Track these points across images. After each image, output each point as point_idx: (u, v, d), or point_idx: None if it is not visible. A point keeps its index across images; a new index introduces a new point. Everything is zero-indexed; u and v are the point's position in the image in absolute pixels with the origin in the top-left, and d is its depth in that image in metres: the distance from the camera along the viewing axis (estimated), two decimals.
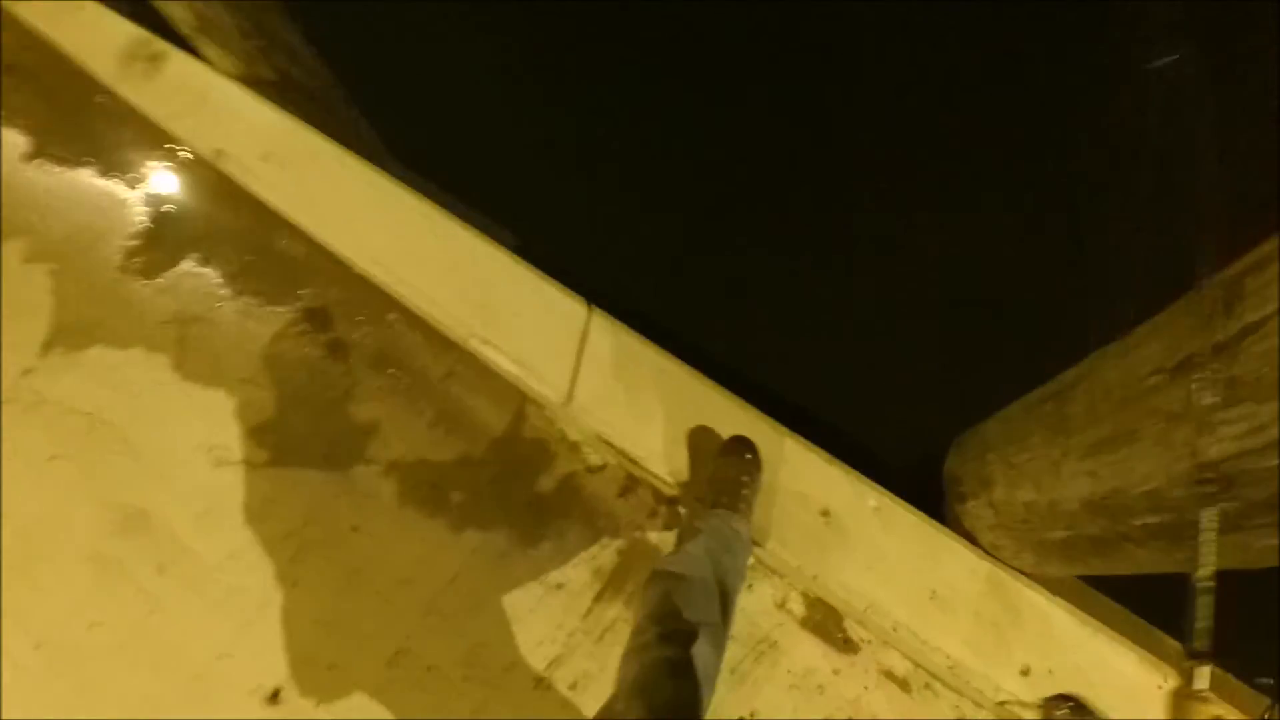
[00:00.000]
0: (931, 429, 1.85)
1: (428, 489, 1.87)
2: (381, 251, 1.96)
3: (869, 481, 1.67)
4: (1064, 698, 1.45)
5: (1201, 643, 0.66)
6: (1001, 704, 1.52)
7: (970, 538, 1.60)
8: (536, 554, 1.80)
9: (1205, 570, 0.63)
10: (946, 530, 1.61)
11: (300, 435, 1.92)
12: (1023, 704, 1.49)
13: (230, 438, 1.91)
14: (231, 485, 1.87)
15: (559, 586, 1.77)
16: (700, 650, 1.05)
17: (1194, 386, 0.93)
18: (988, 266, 1.97)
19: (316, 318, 2.05)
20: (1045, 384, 1.39)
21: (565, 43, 2.50)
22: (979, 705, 1.60)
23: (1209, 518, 0.81)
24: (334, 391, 1.97)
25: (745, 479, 1.58)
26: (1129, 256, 1.70)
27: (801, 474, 1.68)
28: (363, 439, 1.92)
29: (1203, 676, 0.62)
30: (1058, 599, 1.54)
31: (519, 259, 1.94)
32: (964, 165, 2.06)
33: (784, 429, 1.72)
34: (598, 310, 1.87)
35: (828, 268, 2.13)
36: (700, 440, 1.72)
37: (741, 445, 1.64)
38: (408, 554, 1.80)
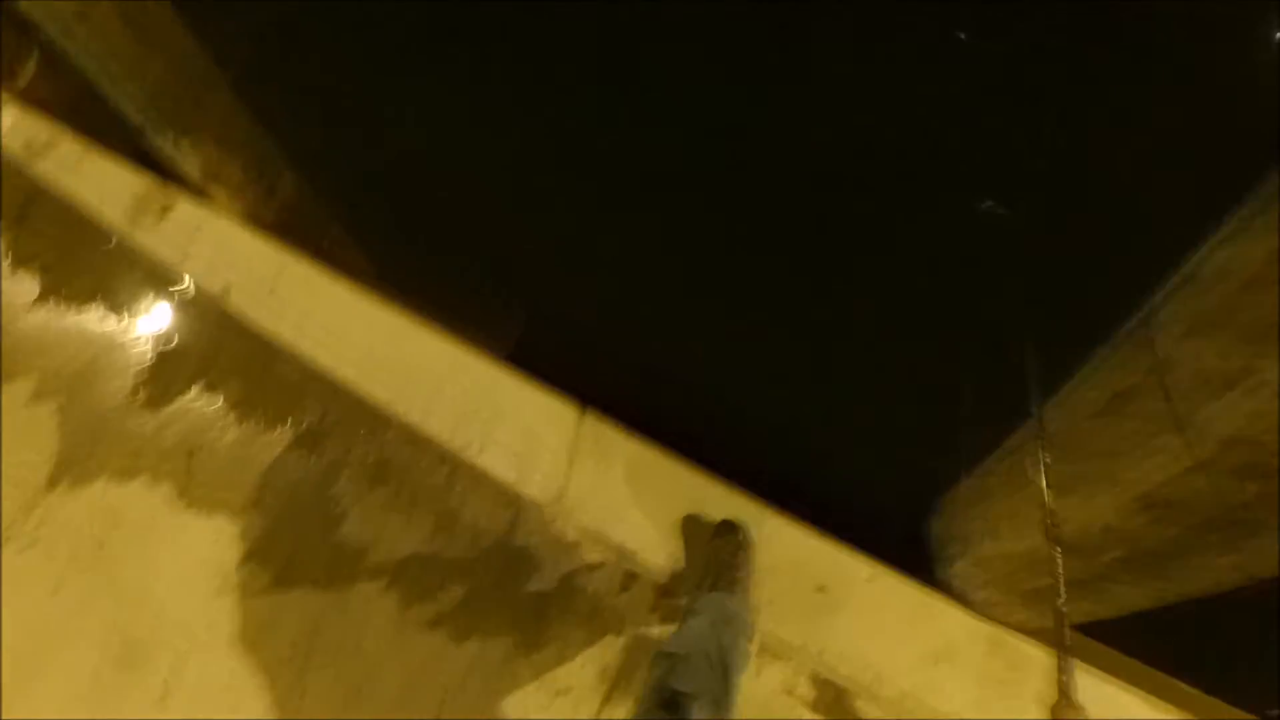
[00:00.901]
0: (917, 495, 1.92)
1: (428, 600, 1.88)
2: (376, 372, 2.08)
3: (860, 553, 1.72)
4: None
5: None
6: None
7: (964, 599, 1.64)
8: (540, 658, 1.80)
9: None
10: (940, 594, 1.65)
11: (301, 556, 1.95)
12: None
13: (232, 563, 1.93)
14: (233, 611, 1.87)
15: (566, 691, 1.76)
16: (701, 713, 1.07)
17: (1126, 424, 1.04)
18: (951, 326, 2.11)
19: (315, 440, 2.12)
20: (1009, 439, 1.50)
21: (539, 161, 2.73)
22: None
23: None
24: (334, 509, 2.01)
25: (738, 560, 1.63)
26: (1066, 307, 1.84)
27: (794, 552, 1.73)
28: (362, 555, 1.94)
29: None
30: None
31: (508, 367, 2.06)
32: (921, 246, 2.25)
33: (772, 509, 1.79)
34: (590, 411, 1.97)
35: (803, 344, 2.25)
36: (692, 528, 1.78)
37: (732, 528, 1.69)
38: (411, 667, 1.79)
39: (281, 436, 2.12)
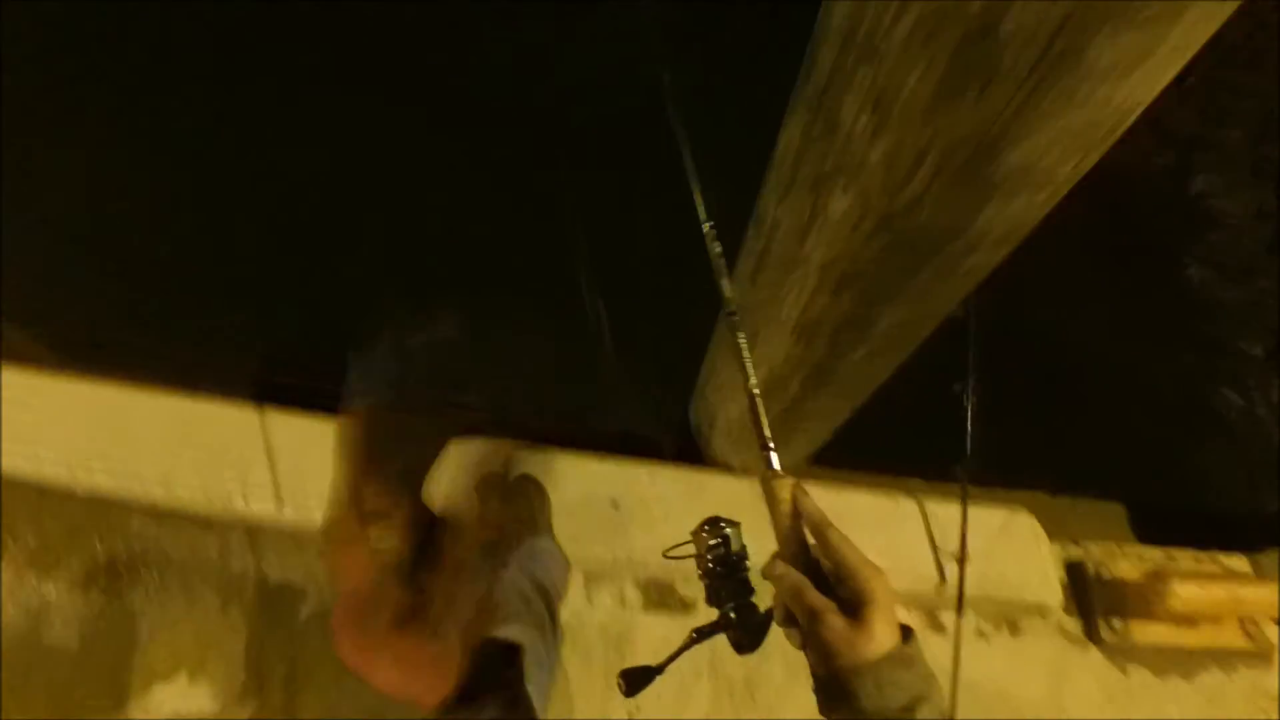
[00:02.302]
0: (676, 397, 2.17)
1: (250, 671, 1.75)
2: (94, 461, 1.84)
3: (638, 460, 1.93)
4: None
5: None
6: None
7: (728, 468, 1.92)
8: None
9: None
10: (709, 470, 1.92)
11: (72, 688, 1.70)
12: None
13: None
14: None
15: None
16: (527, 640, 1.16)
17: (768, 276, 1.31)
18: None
19: (45, 559, 1.82)
20: None
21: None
22: None
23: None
24: (94, 626, 1.77)
25: (536, 505, 1.74)
26: None
27: (582, 480, 1.88)
28: (147, 658, 1.74)
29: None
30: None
31: (265, 406, 1.95)
32: None
33: (550, 449, 1.91)
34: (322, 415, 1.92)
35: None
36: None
37: (524, 481, 1.80)
38: None
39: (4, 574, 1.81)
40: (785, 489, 0.81)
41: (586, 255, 2.29)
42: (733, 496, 1.88)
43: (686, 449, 2.12)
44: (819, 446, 1.87)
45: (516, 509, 1.78)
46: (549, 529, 1.75)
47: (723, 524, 0.91)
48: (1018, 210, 1.01)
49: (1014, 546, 2.06)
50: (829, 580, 0.74)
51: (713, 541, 0.89)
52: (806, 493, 0.82)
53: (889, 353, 1.42)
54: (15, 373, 1.93)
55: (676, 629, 1.95)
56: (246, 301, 2.30)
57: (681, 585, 1.92)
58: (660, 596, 1.94)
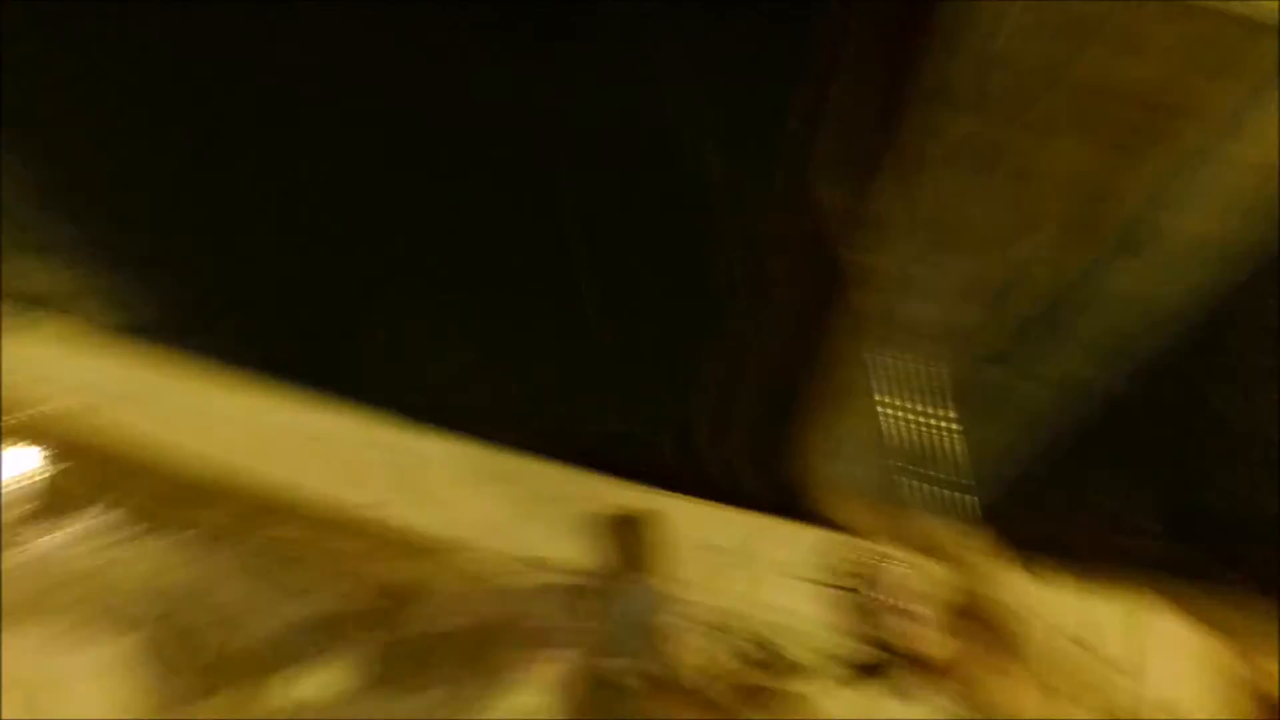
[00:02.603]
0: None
1: (375, 667, 1.94)
2: (262, 454, 2.13)
3: (748, 511, 2.02)
4: None
5: None
6: None
7: (836, 525, 1.98)
8: (499, 687, 1.90)
9: None
10: (820, 526, 1.98)
11: (225, 659, 1.96)
12: None
13: (149, 682, 1.92)
14: None
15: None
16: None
17: None
18: None
19: (216, 540, 2.13)
20: None
21: None
22: None
23: None
24: (249, 606, 2.04)
25: (643, 546, 1.87)
26: None
27: (697, 526, 1.97)
28: (290, 642, 1.98)
29: None
30: None
31: (404, 422, 2.15)
32: None
33: (657, 492, 2.01)
34: (475, 442, 2.10)
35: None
36: (594, 527, 1.97)
37: (630, 519, 1.92)
38: None
39: (182, 541, 2.13)
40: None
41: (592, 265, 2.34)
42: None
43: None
44: None
45: (621, 542, 1.90)
46: (659, 571, 1.87)
47: None
48: None
49: None
50: None
51: None
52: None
53: None
54: (203, 378, 2.24)
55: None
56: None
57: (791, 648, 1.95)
58: (765, 656, 1.96)
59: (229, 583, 2.07)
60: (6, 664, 1.90)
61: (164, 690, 1.90)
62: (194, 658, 1.95)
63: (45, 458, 2.28)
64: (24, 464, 2.27)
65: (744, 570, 1.93)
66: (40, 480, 2.24)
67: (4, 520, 2.15)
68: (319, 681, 1.91)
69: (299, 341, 2.43)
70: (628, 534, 1.88)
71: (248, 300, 2.54)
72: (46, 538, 2.13)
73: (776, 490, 2.09)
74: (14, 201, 2.03)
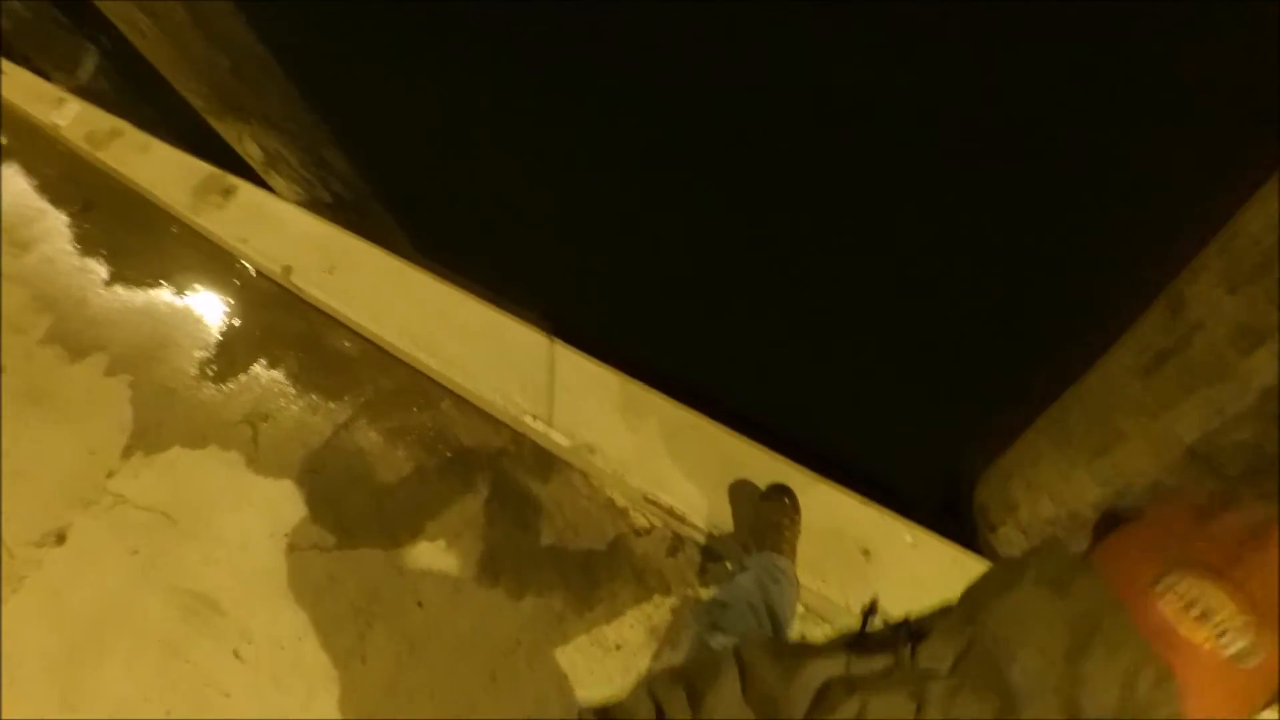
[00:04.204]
0: (962, 465, 1.96)
1: (486, 560, 1.97)
2: (429, 340, 2.17)
3: (903, 518, 1.77)
4: None
5: None
6: None
7: None
8: (592, 615, 1.88)
9: None
10: (983, 559, 1.69)
11: (363, 518, 2.05)
12: None
13: (298, 524, 2.05)
14: (299, 569, 1.99)
15: (617, 647, 1.84)
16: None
17: (1166, 382, 1.08)
18: (990, 297, 2.14)
19: (374, 408, 2.23)
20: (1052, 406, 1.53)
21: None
22: None
23: None
24: (394, 476, 2.12)
25: (786, 522, 1.69)
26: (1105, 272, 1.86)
27: (838, 516, 1.78)
28: (422, 518, 2.04)
29: None
30: None
31: (552, 336, 2.14)
32: (950, 206, 2.27)
33: (816, 475, 1.84)
34: (630, 378, 2.04)
35: (847, 313, 2.30)
36: (739, 492, 1.84)
37: (780, 491, 1.75)
38: (468, 623, 1.88)
39: (341, 407, 2.23)
40: None
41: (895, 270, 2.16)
42: None
43: (954, 522, 1.91)
44: None
45: (767, 512, 1.75)
46: (794, 551, 1.69)
47: None
48: None
49: None
50: None
51: None
52: None
53: None
54: (395, 259, 2.35)
55: None
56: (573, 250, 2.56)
57: None
58: None
59: (378, 454, 2.19)
60: (151, 480, 2.18)
61: (312, 535, 2.07)
62: (344, 510, 2.10)
63: (228, 309, 2.54)
64: (210, 309, 2.56)
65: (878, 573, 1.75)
66: (220, 327, 2.49)
67: (179, 354, 2.43)
68: (438, 560, 1.99)
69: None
70: (776, 508, 1.74)
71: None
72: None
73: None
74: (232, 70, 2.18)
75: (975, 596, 0.45)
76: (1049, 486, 1.48)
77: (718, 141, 2.60)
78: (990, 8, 2.24)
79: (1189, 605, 0.31)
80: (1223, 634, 0.31)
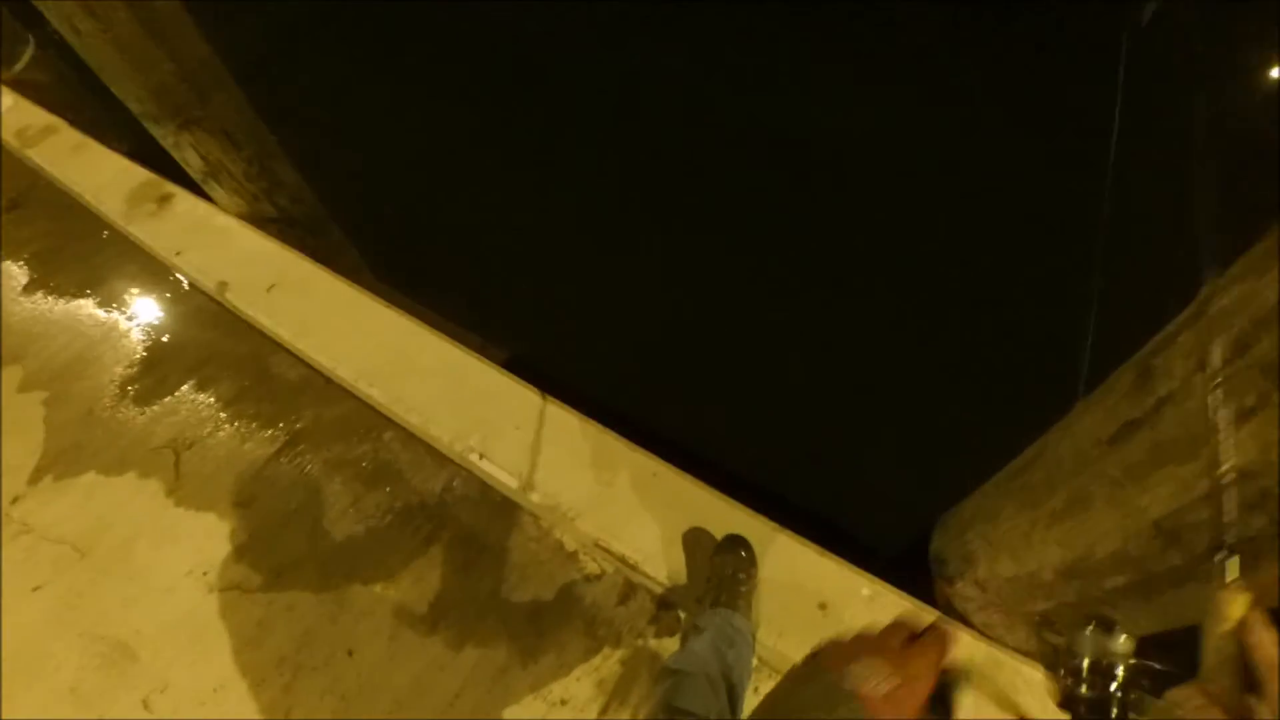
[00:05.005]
0: (917, 514, 1.94)
1: (425, 606, 1.86)
2: (375, 372, 2.05)
3: (860, 571, 1.72)
4: None
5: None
6: None
7: (964, 619, 1.64)
8: (537, 669, 1.78)
9: None
10: (939, 614, 1.65)
11: (294, 557, 1.92)
12: None
13: (222, 562, 1.90)
14: (222, 611, 1.84)
15: (562, 703, 1.74)
16: None
17: (1135, 452, 1.06)
18: (953, 348, 2.14)
19: (312, 439, 2.09)
20: (1013, 460, 1.51)
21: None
22: None
23: None
24: (330, 512, 1.99)
25: (742, 576, 1.62)
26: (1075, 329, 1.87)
27: (795, 569, 1.73)
28: (358, 559, 1.91)
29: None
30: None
31: (508, 373, 2.05)
32: (926, 260, 2.27)
33: (774, 525, 1.79)
34: (592, 423, 1.96)
35: (803, 362, 2.27)
36: (694, 541, 1.77)
37: (736, 543, 1.69)
38: (406, 675, 1.76)
39: (276, 436, 2.10)
40: (1237, 607, 0.66)
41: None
42: (960, 655, 1.60)
43: (909, 572, 1.88)
44: None
45: (723, 565, 1.68)
46: (750, 605, 1.63)
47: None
48: None
49: None
50: None
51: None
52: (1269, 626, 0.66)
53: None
54: (343, 284, 2.22)
55: None
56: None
57: None
58: None
59: (313, 488, 2.05)
60: (61, 509, 1.99)
61: (238, 575, 1.92)
62: (275, 548, 1.95)
63: (158, 323, 2.37)
64: (138, 322, 2.38)
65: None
66: (148, 343, 2.32)
67: (101, 371, 2.24)
68: (375, 605, 1.87)
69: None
70: (733, 561, 1.68)
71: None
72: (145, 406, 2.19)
73: None
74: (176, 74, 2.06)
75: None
76: (1009, 545, 1.46)
77: (680, 187, 2.58)
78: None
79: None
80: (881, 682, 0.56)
